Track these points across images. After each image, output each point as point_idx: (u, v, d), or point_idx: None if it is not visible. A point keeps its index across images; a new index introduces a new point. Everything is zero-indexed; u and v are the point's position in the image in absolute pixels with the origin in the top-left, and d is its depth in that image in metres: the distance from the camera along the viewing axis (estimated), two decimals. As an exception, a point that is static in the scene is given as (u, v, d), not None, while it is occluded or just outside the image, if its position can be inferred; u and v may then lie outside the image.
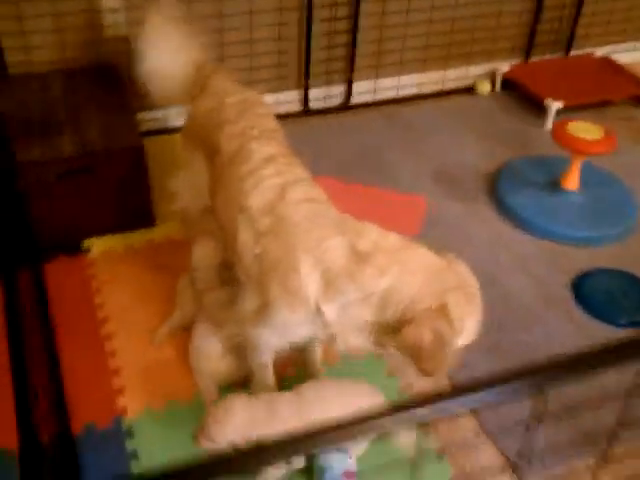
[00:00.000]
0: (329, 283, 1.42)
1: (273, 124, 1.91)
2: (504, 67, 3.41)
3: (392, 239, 1.46)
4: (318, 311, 1.44)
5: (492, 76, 3.46)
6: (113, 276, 2.31)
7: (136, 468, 1.76)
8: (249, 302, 1.56)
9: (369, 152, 2.99)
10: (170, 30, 2.06)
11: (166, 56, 2.04)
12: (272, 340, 1.61)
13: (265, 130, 1.83)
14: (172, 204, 2.14)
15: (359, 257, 1.41)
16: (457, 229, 2.57)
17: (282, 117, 3.12)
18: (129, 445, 1.81)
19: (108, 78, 2.70)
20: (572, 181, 2.62)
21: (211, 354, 1.93)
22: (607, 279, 2.33)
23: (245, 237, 1.57)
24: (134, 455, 1.78)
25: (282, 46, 3.03)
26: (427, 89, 3.40)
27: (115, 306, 2.20)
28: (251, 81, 3.04)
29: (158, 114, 2.95)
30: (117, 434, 1.83)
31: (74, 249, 2.41)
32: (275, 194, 1.57)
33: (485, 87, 3.43)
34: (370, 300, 1.40)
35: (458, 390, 0.78)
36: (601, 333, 2.16)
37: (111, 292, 2.25)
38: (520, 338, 2.13)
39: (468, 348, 1.50)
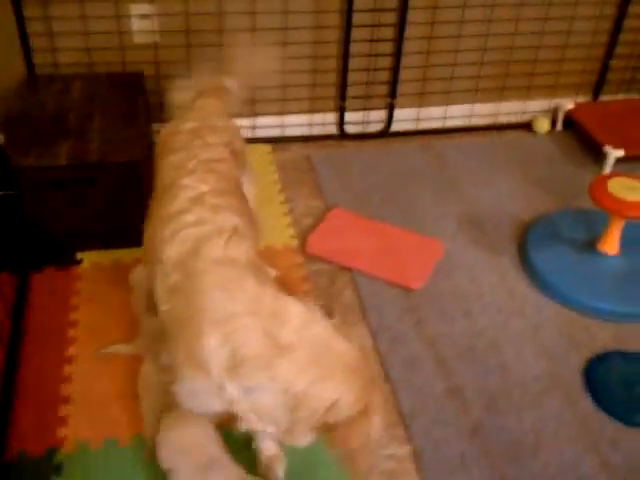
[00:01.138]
0: (237, 364, 1.27)
1: (221, 154, 1.72)
2: (568, 104, 3.11)
3: (316, 329, 1.29)
4: (222, 386, 1.29)
5: (554, 113, 3.17)
6: (95, 294, 2.23)
7: (54, 510, 1.66)
8: (164, 356, 1.43)
9: (398, 184, 2.79)
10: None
11: None
12: (189, 403, 1.46)
13: (207, 161, 1.66)
14: None
15: (276, 347, 1.26)
16: (471, 282, 2.33)
17: (316, 139, 3.03)
18: (54, 482, 1.72)
19: (130, 86, 2.63)
20: (610, 245, 2.32)
21: (154, 385, 1.81)
22: (627, 365, 2.04)
23: (159, 289, 1.44)
24: (55, 494, 1.69)
25: (319, 65, 2.88)
26: (477, 122, 3.15)
27: (87, 327, 2.11)
28: (285, 99, 2.92)
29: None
30: (45, 467, 1.74)
31: (66, 259, 2.36)
32: (189, 247, 1.42)
33: (543, 125, 3.14)
34: (283, 396, 1.26)
35: None
36: (607, 431, 1.88)
37: (88, 312, 2.17)
38: (508, 421, 1.88)
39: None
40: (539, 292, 2.30)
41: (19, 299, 2.17)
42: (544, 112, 3.18)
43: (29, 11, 2.54)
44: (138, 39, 2.69)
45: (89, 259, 2.36)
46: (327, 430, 1.28)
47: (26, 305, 2.18)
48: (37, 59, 2.65)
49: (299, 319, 1.29)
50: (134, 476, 1.73)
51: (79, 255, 2.37)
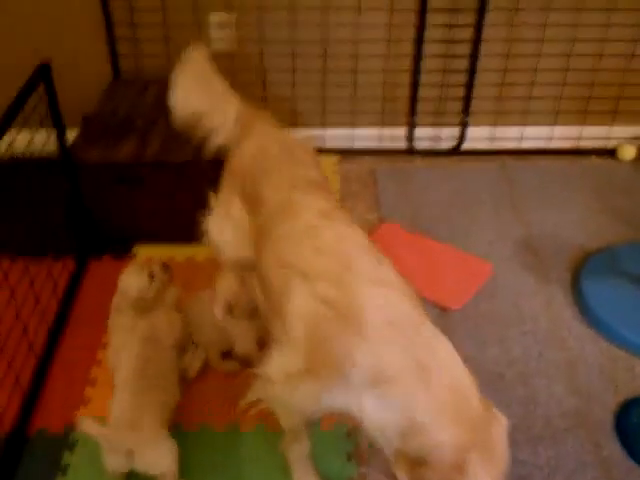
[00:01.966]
0: (377, 382, 1.31)
1: (320, 173, 1.75)
2: (659, 132, 2.91)
3: (459, 373, 1.32)
4: (356, 397, 1.35)
5: (642, 140, 2.98)
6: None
7: (60, 484, 1.76)
8: (288, 363, 1.46)
9: (460, 203, 2.72)
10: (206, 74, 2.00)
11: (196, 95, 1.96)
12: (304, 404, 1.52)
13: (312, 181, 1.68)
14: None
15: (420, 376, 1.28)
16: (513, 307, 2.24)
17: (384, 153, 3.01)
18: (65, 459, 1.81)
19: (204, 91, 2.75)
20: (671, 282, 2.16)
21: None
22: (666, 412, 1.88)
23: (300, 303, 1.44)
24: (63, 470, 1.79)
25: (391, 78, 2.87)
26: (557, 144, 3.01)
27: (127, 316, 2.23)
28: (354, 112, 2.94)
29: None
30: (61, 443, 1.85)
31: (124, 250, 2.49)
32: (340, 263, 1.42)
33: (629, 152, 2.95)
34: (405, 420, 1.29)
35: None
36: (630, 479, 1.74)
37: (132, 301, 2.29)
38: (521, 454, 1.79)
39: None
40: (586, 325, 2.16)
41: (72, 285, 2.33)
42: (631, 139, 2.99)
43: (116, 17, 2.73)
44: (216, 46, 2.81)
45: (143, 252, 2.48)
46: (416, 465, 1.28)
47: (78, 290, 2.33)
48: (123, 63, 2.83)
49: (447, 357, 1.32)
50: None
51: (135, 248, 2.50)
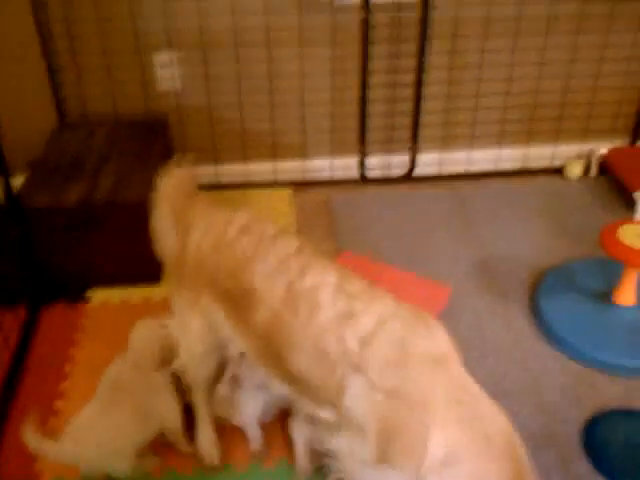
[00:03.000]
0: (449, 463, 1.31)
1: (299, 242, 1.61)
2: (602, 149, 2.99)
3: (517, 441, 1.36)
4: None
5: (588, 158, 3.05)
6: (99, 332, 2.28)
7: None
8: (361, 452, 1.44)
9: (415, 228, 2.74)
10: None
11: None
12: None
13: (305, 255, 1.56)
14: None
15: (489, 448, 1.32)
16: (475, 330, 2.25)
17: (337, 183, 3.03)
18: (25, 516, 1.74)
19: (153, 130, 2.74)
20: (625, 296, 2.19)
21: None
22: (631, 425, 1.89)
23: (359, 396, 1.40)
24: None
25: (339, 110, 2.90)
26: (505, 166, 3.08)
27: (84, 364, 2.16)
28: (305, 144, 2.95)
29: (199, 169, 2.94)
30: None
31: (76, 296, 2.43)
32: (391, 348, 1.39)
33: (575, 170, 3.02)
34: None
35: None
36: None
37: (88, 348, 2.22)
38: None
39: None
40: (546, 343, 2.18)
41: (25, 334, 2.25)
42: (578, 157, 3.07)
43: (59, 61, 2.70)
44: (161, 86, 2.80)
45: (98, 297, 2.42)
46: None
47: (31, 340, 2.26)
48: (68, 107, 2.79)
49: (507, 426, 1.36)
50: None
51: (90, 292, 2.44)
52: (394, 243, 2.67)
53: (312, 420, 1.65)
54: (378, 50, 2.75)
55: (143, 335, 1.90)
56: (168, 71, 2.77)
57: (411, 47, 2.75)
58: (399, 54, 2.78)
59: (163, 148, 2.72)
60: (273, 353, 1.52)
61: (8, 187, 2.24)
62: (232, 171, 2.97)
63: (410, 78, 2.81)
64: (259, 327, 1.53)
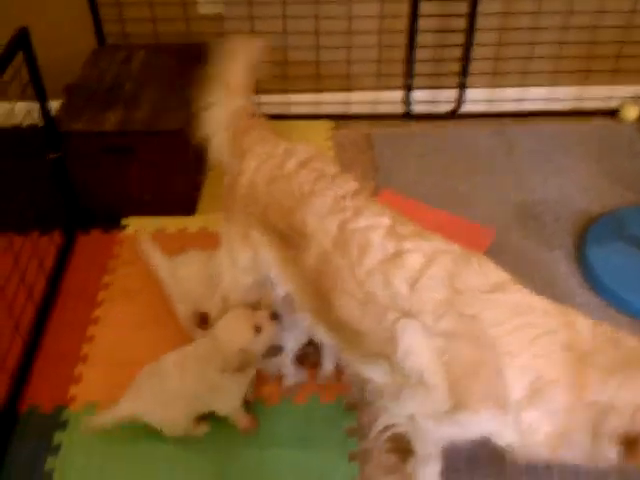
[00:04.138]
0: (536, 391, 1.23)
1: (357, 184, 1.54)
2: (663, 91, 2.83)
3: (605, 328, 1.27)
4: (516, 417, 1.26)
5: (646, 100, 2.90)
6: (133, 259, 2.27)
7: (51, 464, 1.70)
8: (431, 402, 1.36)
9: (459, 168, 2.64)
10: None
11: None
12: (455, 436, 1.46)
13: (362, 198, 1.49)
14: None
15: (580, 359, 1.21)
16: (517, 277, 2.16)
17: (381, 118, 2.92)
18: (57, 438, 1.76)
19: (192, 57, 2.64)
20: (677, 246, 2.09)
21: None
22: None
23: (414, 342, 1.33)
24: (55, 450, 1.73)
25: (387, 40, 2.76)
26: (557, 106, 2.92)
27: (118, 291, 2.16)
28: (349, 75, 2.84)
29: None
30: (52, 423, 1.79)
31: (114, 223, 2.41)
32: (445, 288, 1.31)
33: (631, 113, 2.86)
34: (588, 412, 1.21)
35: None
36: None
37: (123, 275, 2.22)
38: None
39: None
40: (593, 293, 2.11)
41: (60, 260, 2.25)
42: (634, 99, 2.91)
43: (98, -18, 2.61)
44: (203, 10, 2.70)
45: (133, 225, 2.40)
46: (630, 443, 1.21)
47: (66, 265, 2.26)
48: (107, 29, 2.72)
49: (590, 323, 1.28)
50: (136, 437, 1.76)
51: (125, 221, 2.42)
52: (437, 182, 2.58)
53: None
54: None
55: (230, 327, 1.67)
56: (210, -6, 2.67)
57: (465, -25, 2.60)
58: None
59: (202, 75, 2.63)
60: (321, 297, 1.46)
61: (45, 111, 2.20)
62: (272, 101, 2.88)
63: (463, 8, 2.66)
64: (308, 268, 1.47)
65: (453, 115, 2.91)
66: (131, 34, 2.73)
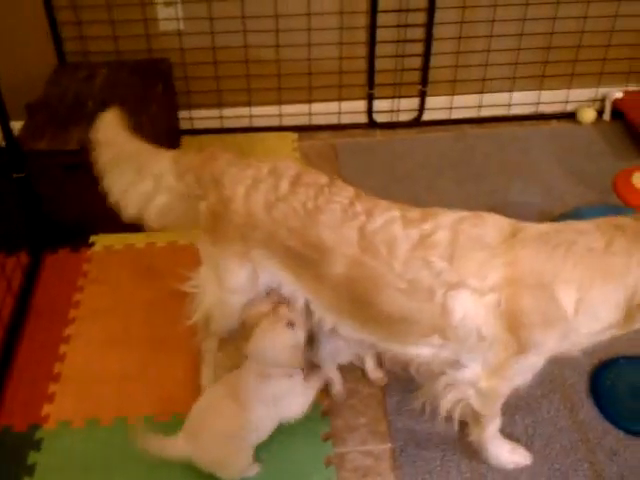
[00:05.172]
0: (581, 303, 1.38)
1: (352, 187, 1.58)
2: (616, 93, 2.91)
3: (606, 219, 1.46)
4: (575, 328, 1.42)
5: (601, 103, 2.97)
6: (103, 276, 2.27)
7: (25, 485, 1.69)
8: (494, 359, 1.49)
9: (423, 175, 2.69)
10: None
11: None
12: (518, 378, 1.55)
13: (365, 198, 1.55)
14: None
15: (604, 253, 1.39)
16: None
17: (344, 128, 2.96)
18: (31, 457, 1.74)
19: (154, 73, 2.66)
20: (637, 242, 2.15)
21: None
22: (636, 372, 1.88)
23: (467, 305, 1.42)
24: (30, 469, 1.72)
25: (347, 52, 2.81)
26: (516, 111, 3.00)
27: (89, 308, 2.16)
28: (311, 87, 2.87)
29: (203, 113, 2.88)
30: (25, 442, 1.77)
31: (82, 241, 2.40)
32: (476, 247, 1.43)
33: (588, 115, 2.94)
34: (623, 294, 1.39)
35: None
36: (605, 441, 1.75)
37: (93, 293, 2.21)
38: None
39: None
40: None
41: (28, 280, 2.23)
42: (591, 102, 2.99)
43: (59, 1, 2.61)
44: (163, 27, 2.72)
45: (102, 242, 2.40)
46: None
47: (35, 285, 2.24)
48: (68, 47, 2.72)
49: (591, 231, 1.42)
50: (111, 455, 1.75)
51: (93, 238, 2.41)
52: (402, 190, 2.61)
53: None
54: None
55: (268, 335, 1.62)
56: (171, 10, 2.68)
57: (422, -15, 2.65)
58: (410, -7, 2.68)
59: (165, 91, 2.65)
60: (356, 300, 1.52)
61: (8, 131, 2.19)
62: (236, 115, 2.90)
63: (420, 19, 2.72)
64: (335, 279, 1.51)
65: (415, 123, 2.96)
66: (92, 52, 2.74)
